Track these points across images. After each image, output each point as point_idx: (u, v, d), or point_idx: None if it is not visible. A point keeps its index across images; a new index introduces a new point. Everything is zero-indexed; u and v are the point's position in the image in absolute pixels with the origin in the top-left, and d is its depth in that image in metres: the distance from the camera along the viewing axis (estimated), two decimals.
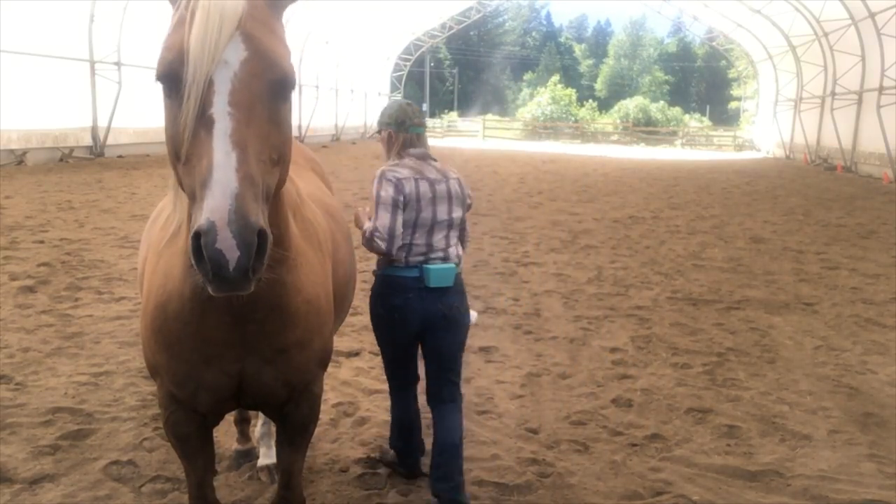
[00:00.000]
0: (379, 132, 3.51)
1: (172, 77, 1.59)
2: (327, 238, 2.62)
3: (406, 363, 3.50)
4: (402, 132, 3.34)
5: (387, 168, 3.27)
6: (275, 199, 1.96)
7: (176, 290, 2.13)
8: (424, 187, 3.21)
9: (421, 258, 3.25)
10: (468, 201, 3.49)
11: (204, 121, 1.52)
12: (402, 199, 3.14)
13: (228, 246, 1.41)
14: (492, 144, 40.46)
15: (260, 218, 1.46)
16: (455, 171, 3.44)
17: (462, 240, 3.54)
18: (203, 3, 1.58)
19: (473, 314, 3.55)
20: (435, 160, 3.39)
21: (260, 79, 1.59)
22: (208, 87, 1.54)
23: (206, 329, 2.13)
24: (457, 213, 3.36)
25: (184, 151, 1.55)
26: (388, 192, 3.13)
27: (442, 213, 3.26)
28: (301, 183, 2.75)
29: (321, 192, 3.18)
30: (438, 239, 3.28)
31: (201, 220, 1.43)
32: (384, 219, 3.11)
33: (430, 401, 3.44)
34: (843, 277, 8.39)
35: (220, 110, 1.51)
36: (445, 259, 3.30)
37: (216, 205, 1.42)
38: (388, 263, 3.28)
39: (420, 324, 3.26)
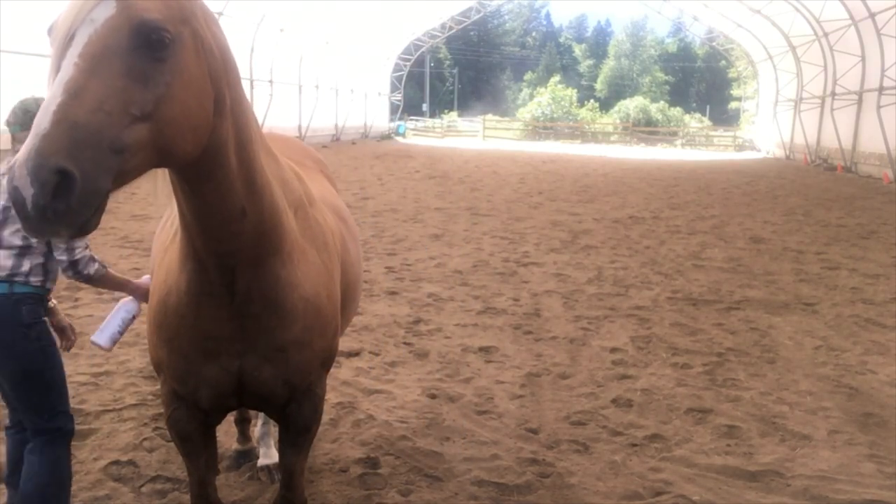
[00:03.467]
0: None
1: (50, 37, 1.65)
2: (336, 240, 2.62)
3: None
4: None
5: None
6: (254, 190, 1.99)
7: (174, 284, 2.19)
8: None
9: None
10: None
11: (55, 72, 1.55)
12: None
13: (24, 183, 1.42)
14: (492, 144, 40.46)
15: (70, 160, 1.43)
16: None
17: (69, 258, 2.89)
18: None
19: (104, 336, 3.04)
20: None
21: (119, 33, 1.58)
22: (68, 42, 1.56)
23: (203, 323, 2.17)
24: None
25: None
26: None
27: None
28: (313, 186, 2.76)
29: (332, 196, 3.19)
30: None
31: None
32: None
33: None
34: (843, 277, 8.38)
35: (68, 62, 1.53)
36: None
37: (25, 145, 1.44)
38: None
39: None
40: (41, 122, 1.45)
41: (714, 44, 46.19)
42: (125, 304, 3.12)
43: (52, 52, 1.59)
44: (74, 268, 2.86)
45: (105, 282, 3.02)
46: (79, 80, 1.50)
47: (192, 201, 1.94)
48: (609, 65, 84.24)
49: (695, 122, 55.92)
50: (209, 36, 1.82)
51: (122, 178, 1.58)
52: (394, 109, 48.23)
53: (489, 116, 54.71)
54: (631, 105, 55.11)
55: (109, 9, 1.58)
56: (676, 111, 56.20)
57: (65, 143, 1.44)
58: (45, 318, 2.94)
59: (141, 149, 1.60)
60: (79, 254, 2.85)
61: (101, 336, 3.03)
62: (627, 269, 8.54)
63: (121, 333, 3.09)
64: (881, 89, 22.25)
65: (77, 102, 1.48)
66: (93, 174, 1.47)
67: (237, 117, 1.92)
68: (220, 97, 1.84)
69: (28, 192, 1.41)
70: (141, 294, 3.09)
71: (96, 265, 2.93)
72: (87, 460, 3.58)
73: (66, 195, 1.44)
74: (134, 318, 3.12)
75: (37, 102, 2.75)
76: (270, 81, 28.35)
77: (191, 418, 2.39)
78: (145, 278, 3.16)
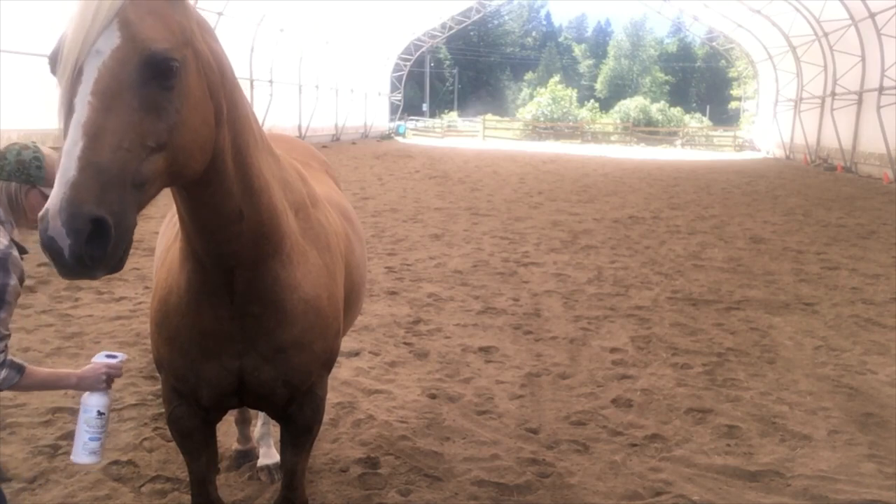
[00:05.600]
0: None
1: (55, 69, 1.62)
2: (340, 241, 2.61)
3: None
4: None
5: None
6: (251, 193, 1.99)
7: (175, 283, 2.20)
8: None
9: None
10: None
11: (69, 110, 1.54)
12: None
13: (59, 234, 1.44)
14: (492, 144, 40.47)
15: (101, 206, 1.46)
16: None
17: None
18: None
19: (81, 453, 2.43)
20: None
21: (129, 65, 1.56)
22: (77, 76, 1.54)
23: (203, 322, 2.18)
24: None
25: (62, 137, 1.59)
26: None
27: None
28: (318, 186, 2.75)
29: (338, 196, 3.19)
30: None
31: (43, 208, 1.47)
32: None
33: None
34: (843, 277, 8.38)
35: (81, 99, 1.52)
36: None
37: (53, 193, 1.46)
38: None
39: None
40: (67, 168, 1.46)
41: (714, 44, 46.19)
42: (84, 403, 2.45)
43: (59, 84, 1.57)
44: None
45: (29, 385, 2.40)
46: (96, 120, 1.50)
47: (189, 205, 1.94)
48: (609, 65, 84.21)
49: (695, 122, 55.97)
50: (207, 50, 1.82)
51: (141, 207, 1.62)
52: (394, 109, 48.23)
53: (489, 116, 54.70)
54: (631, 105, 55.13)
55: (114, 39, 1.56)
56: (676, 111, 56.23)
57: (94, 189, 1.46)
58: None
59: (158, 177, 1.63)
60: None
61: (80, 454, 2.42)
62: (627, 269, 8.54)
63: (98, 437, 2.43)
64: (881, 89, 22.27)
65: (98, 145, 1.49)
66: (122, 214, 1.51)
67: (233, 123, 1.91)
68: (219, 108, 1.84)
69: (65, 243, 1.44)
70: (93, 381, 2.47)
71: (3, 372, 2.29)
72: None
73: (102, 241, 1.48)
74: (100, 413, 2.45)
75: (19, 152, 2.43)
76: (270, 81, 28.35)
77: (191, 416, 2.39)
78: (97, 358, 2.53)
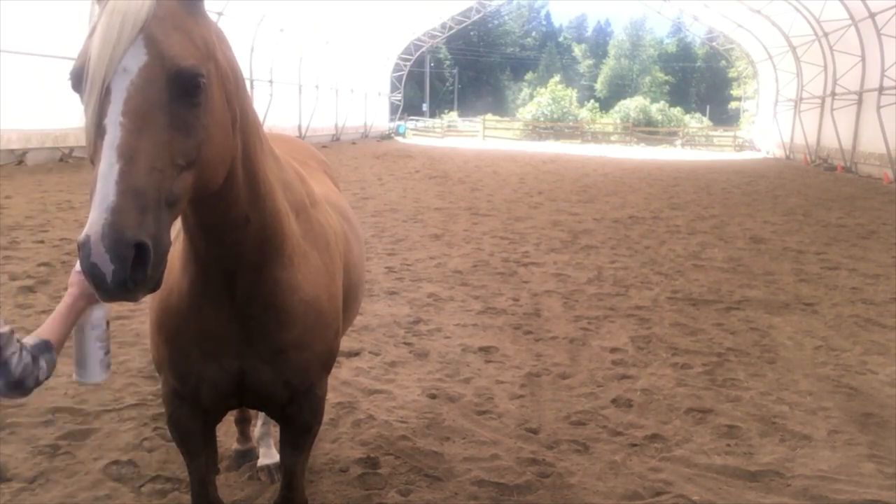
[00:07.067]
0: None
1: (79, 87, 1.61)
2: (339, 241, 2.61)
3: None
4: None
5: None
6: (257, 198, 1.99)
7: (175, 285, 2.19)
8: None
9: None
10: None
11: (99, 131, 1.53)
12: None
13: (102, 260, 1.44)
14: (492, 144, 40.47)
15: (141, 231, 1.47)
16: None
17: None
18: (108, 8, 1.57)
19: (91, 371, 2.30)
20: None
21: (157, 84, 1.56)
22: (105, 96, 1.53)
23: (204, 324, 2.17)
24: None
25: (89, 157, 1.59)
26: None
27: None
28: (316, 186, 2.75)
29: (336, 196, 3.19)
30: None
31: (82, 233, 1.47)
32: None
33: None
34: (843, 277, 8.38)
35: (112, 120, 1.51)
36: None
37: (93, 218, 1.45)
38: None
39: None
40: (106, 193, 1.46)
41: (714, 44, 46.20)
42: (91, 322, 2.28)
43: (85, 103, 1.56)
44: (21, 387, 1.96)
45: (61, 346, 2.21)
46: (129, 141, 1.50)
47: (197, 210, 1.92)
48: (609, 65, 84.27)
49: (695, 122, 56.01)
50: (224, 60, 1.81)
51: (172, 223, 1.62)
52: (394, 109, 48.24)
53: (489, 116, 54.74)
54: (631, 105, 55.18)
55: (141, 56, 1.56)
56: (676, 111, 56.29)
57: (134, 214, 1.46)
58: None
59: (187, 194, 1.64)
60: (16, 363, 1.92)
61: (97, 373, 2.30)
62: (627, 269, 8.54)
63: (109, 350, 2.34)
64: (881, 89, 22.27)
65: (134, 168, 1.49)
66: (159, 236, 1.52)
67: (244, 130, 1.91)
68: (234, 117, 1.83)
69: (108, 269, 1.45)
70: (87, 296, 2.15)
71: (42, 367, 2.03)
72: (87, 460, 3.57)
73: (144, 264, 1.49)
74: (108, 324, 2.31)
75: None
76: (270, 81, 28.36)
77: (191, 417, 2.39)
78: (74, 273, 2.16)
